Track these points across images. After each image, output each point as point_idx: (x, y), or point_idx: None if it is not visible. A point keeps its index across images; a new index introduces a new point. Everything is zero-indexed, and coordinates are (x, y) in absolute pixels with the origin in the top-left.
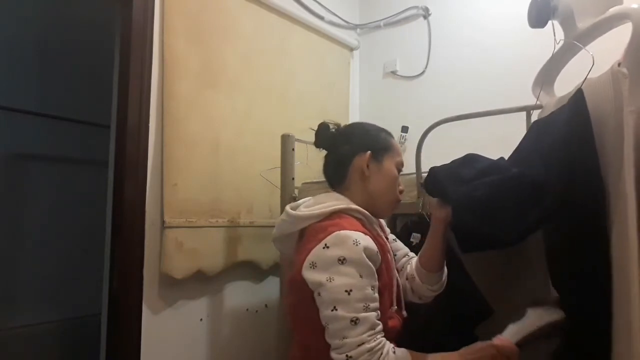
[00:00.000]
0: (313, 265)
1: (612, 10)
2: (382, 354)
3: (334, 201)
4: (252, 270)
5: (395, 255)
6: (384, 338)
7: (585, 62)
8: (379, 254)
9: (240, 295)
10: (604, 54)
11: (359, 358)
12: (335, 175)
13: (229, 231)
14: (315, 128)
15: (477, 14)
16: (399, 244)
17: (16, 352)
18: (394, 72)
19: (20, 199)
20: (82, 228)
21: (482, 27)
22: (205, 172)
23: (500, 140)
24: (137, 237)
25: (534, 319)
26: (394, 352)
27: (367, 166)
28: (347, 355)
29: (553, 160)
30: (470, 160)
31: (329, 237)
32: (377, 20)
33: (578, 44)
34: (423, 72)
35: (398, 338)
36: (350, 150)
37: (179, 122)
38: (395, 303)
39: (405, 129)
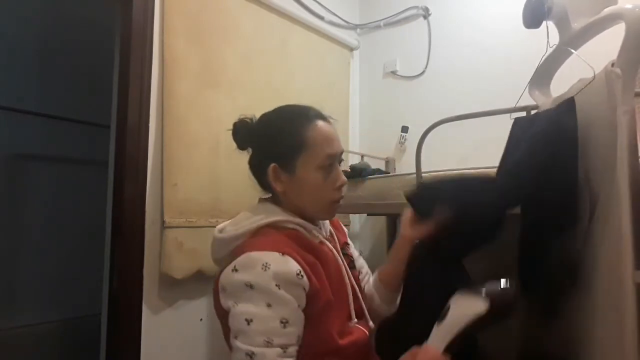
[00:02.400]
0: (223, 289)
1: (606, 10)
2: None
3: (261, 215)
4: None
5: (360, 272)
6: None
7: (581, 62)
8: (302, 275)
9: None
10: (600, 54)
11: None
12: (260, 184)
13: None
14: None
15: (477, 14)
16: (362, 261)
17: (16, 352)
18: (394, 72)
19: (20, 199)
20: (82, 228)
21: (482, 27)
22: (205, 172)
23: (500, 140)
24: (137, 237)
25: (458, 317)
26: None
27: (279, 179)
28: None
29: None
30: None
31: (239, 259)
32: (377, 20)
33: (571, 49)
34: (423, 72)
35: (365, 350)
36: (258, 161)
37: (179, 122)
38: (354, 316)
39: (405, 129)
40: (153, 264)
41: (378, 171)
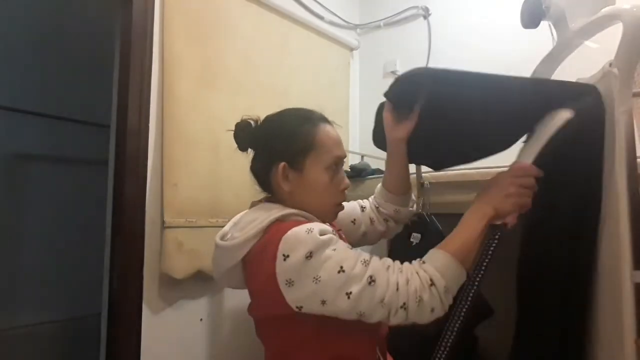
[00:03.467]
0: (290, 283)
1: (604, 11)
2: (419, 277)
3: (265, 213)
4: None
5: (354, 222)
6: (403, 265)
7: (580, 61)
8: (335, 232)
9: (240, 295)
10: (598, 54)
11: (408, 298)
12: (262, 185)
13: None
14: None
15: (478, 14)
16: (347, 206)
17: (16, 352)
18: (394, 72)
19: (20, 199)
20: (82, 228)
21: (483, 27)
22: (205, 172)
23: None
24: (137, 237)
25: (544, 131)
26: (424, 264)
27: (287, 177)
28: (400, 307)
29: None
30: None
31: (280, 247)
32: (377, 20)
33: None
34: None
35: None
36: (265, 160)
37: (179, 122)
38: None
39: None
40: (153, 264)
41: (378, 171)
